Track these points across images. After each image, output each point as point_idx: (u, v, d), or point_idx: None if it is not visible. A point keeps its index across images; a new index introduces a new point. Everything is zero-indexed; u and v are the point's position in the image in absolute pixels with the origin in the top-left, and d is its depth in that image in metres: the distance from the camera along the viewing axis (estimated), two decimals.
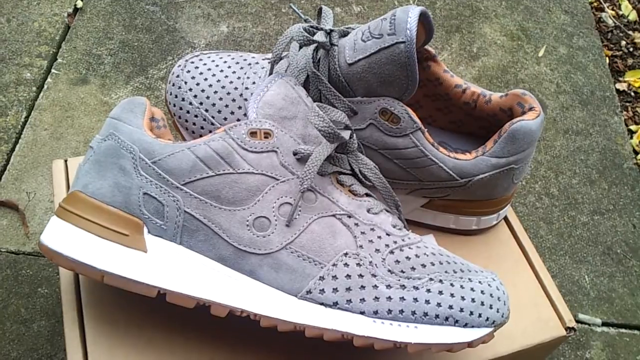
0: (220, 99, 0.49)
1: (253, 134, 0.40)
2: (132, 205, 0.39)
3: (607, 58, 0.96)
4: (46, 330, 0.59)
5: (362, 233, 0.39)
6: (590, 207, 0.76)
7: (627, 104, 0.91)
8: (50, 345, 0.58)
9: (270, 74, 0.48)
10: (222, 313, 0.38)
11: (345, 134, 0.41)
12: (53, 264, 0.62)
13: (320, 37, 0.45)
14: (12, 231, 0.65)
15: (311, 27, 0.46)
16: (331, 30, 0.46)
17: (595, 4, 1.06)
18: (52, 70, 0.80)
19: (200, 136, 0.49)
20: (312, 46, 0.46)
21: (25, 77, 0.78)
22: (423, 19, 0.45)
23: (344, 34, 0.47)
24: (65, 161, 0.53)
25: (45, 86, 0.78)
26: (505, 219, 0.55)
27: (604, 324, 0.67)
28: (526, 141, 0.46)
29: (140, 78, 0.80)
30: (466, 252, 0.52)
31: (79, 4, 0.87)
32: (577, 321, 0.67)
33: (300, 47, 0.47)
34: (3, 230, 0.65)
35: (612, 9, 1.06)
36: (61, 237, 0.39)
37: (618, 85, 0.93)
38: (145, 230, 0.39)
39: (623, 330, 0.67)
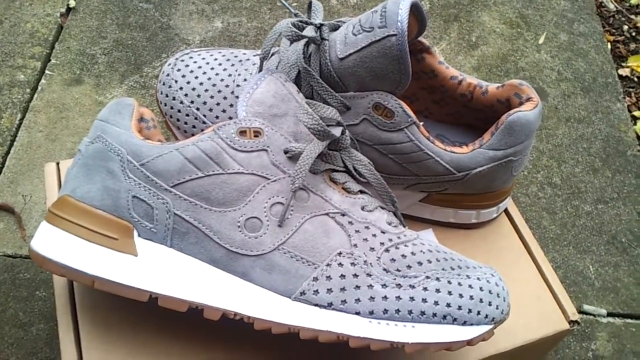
0: (212, 97, 0.48)
1: (242, 132, 0.39)
2: (121, 208, 0.38)
3: (609, 43, 0.95)
4: (45, 334, 0.59)
5: (357, 231, 0.39)
6: (594, 196, 0.75)
7: (630, 89, 0.90)
8: (49, 348, 0.58)
9: (260, 70, 0.47)
10: (215, 316, 0.37)
11: (336, 131, 0.40)
12: None
13: (309, 31, 0.44)
14: (9, 234, 0.65)
15: (301, 21, 0.45)
16: (321, 25, 0.45)
17: None
18: (46, 71, 0.79)
19: (193, 135, 0.49)
20: (303, 41, 0.45)
21: (19, 79, 0.78)
22: (415, 10, 0.43)
23: (335, 28, 0.46)
24: (57, 164, 0.52)
25: (40, 87, 0.77)
26: (506, 211, 0.54)
27: (609, 315, 0.66)
28: (524, 132, 0.45)
29: (135, 77, 0.79)
30: (466, 246, 0.51)
31: (72, 4, 0.86)
32: (582, 312, 0.66)
33: (291, 43, 0.46)
34: (0, 233, 0.65)
35: None
36: (51, 242, 0.38)
37: (621, 71, 0.92)
38: (135, 233, 0.38)
39: (629, 321, 0.66)
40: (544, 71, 0.88)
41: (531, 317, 0.47)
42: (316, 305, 0.37)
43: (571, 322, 0.48)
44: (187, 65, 0.50)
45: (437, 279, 0.38)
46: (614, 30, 0.98)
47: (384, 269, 0.37)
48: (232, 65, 0.50)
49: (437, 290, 0.37)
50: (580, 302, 0.66)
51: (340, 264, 0.37)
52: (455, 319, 0.37)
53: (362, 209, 0.40)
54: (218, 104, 0.48)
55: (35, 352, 0.58)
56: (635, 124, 0.84)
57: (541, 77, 0.87)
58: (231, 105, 0.48)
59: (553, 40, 0.92)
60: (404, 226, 0.42)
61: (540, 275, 0.50)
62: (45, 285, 0.62)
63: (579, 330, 0.65)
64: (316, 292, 0.37)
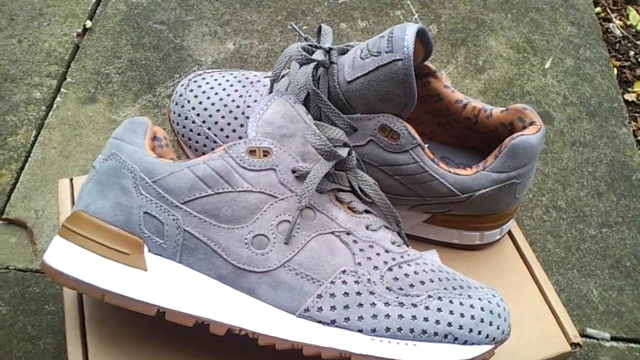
0: (223, 117, 0.50)
1: (252, 152, 0.40)
2: (132, 224, 0.40)
3: (615, 69, 0.96)
4: (52, 348, 0.60)
5: (361, 250, 0.39)
6: (599, 220, 0.76)
7: (636, 114, 0.91)
8: None
9: (271, 92, 0.48)
10: (221, 331, 0.38)
11: (343, 152, 0.41)
12: None
13: (319, 55, 0.46)
14: (21, 249, 0.66)
15: (310, 45, 0.47)
16: (330, 49, 0.46)
17: (603, 14, 1.05)
18: (62, 90, 0.81)
19: (204, 154, 0.50)
20: (312, 64, 0.46)
21: (35, 97, 0.80)
22: (421, 36, 0.45)
23: (343, 52, 0.47)
24: (71, 180, 0.53)
25: (55, 105, 0.79)
26: (510, 233, 0.54)
27: (612, 339, 0.66)
28: (527, 156, 0.46)
29: (147, 96, 0.81)
30: (470, 268, 0.52)
31: (88, 24, 0.89)
32: (585, 336, 0.66)
33: (301, 66, 0.48)
34: (12, 248, 0.66)
35: (620, 19, 1.05)
36: (64, 256, 0.39)
37: (627, 96, 0.93)
38: (146, 249, 0.39)
39: (633, 345, 0.66)
40: (549, 95, 0.89)
41: (533, 338, 0.48)
42: (320, 322, 0.38)
43: (573, 345, 0.48)
44: (199, 86, 0.52)
45: (439, 298, 0.38)
46: (620, 56, 1.00)
47: (387, 288, 0.38)
48: (244, 86, 0.51)
49: (439, 310, 0.38)
50: (584, 325, 0.67)
51: (344, 282, 0.38)
52: (456, 338, 0.38)
53: (367, 228, 0.41)
54: (229, 123, 0.49)
55: None
56: None
57: (547, 102, 0.88)
58: (242, 126, 0.49)
59: (559, 65, 0.94)
60: (408, 246, 0.43)
61: (543, 297, 0.51)
62: (54, 300, 0.63)
63: (582, 353, 0.65)
64: (320, 309, 0.38)
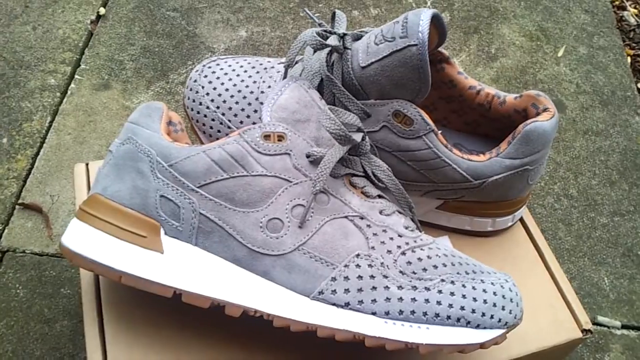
0: (237, 102, 0.50)
1: (267, 137, 0.41)
2: (149, 207, 0.40)
3: (628, 57, 0.95)
4: (68, 330, 0.61)
5: (374, 234, 0.40)
6: (610, 209, 0.76)
7: None
8: (72, 344, 0.60)
9: (285, 78, 0.48)
10: (236, 313, 0.39)
11: (357, 137, 0.41)
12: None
13: (333, 41, 0.46)
14: (37, 233, 0.67)
15: (324, 31, 0.47)
16: (344, 34, 0.46)
17: (617, 2, 1.04)
18: (76, 76, 0.82)
19: (218, 139, 0.50)
20: (326, 50, 0.46)
21: (50, 83, 0.80)
22: (435, 21, 0.45)
23: (357, 38, 0.47)
24: (87, 165, 0.54)
25: (69, 92, 0.80)
26: (521, 220, 0.55)
27: (623, 327, 0.66)
28: (540, 142, 0.46)
29: (161, 83, 0.82)
30: (482, 254, 0.52)
31: (102, 12, 0.89)
32: (596, 323, 0.66)
33: (315, 51, 0.48)
34: (28, 232, 0.67)
35: (635, 7, 1.04)
36: (81, 238, 0.40)
37: None
38: (162, 231, 0.40)
39: None
40: (562, 84, 0.89)
41: (544, 325, 0.48)
42: (334, 304, 0.38)
43: (584, 331, 0.48)
44: (213, 72, 0.52)
45: (452, 282, 0.39)
46: (634, 44, 0.99)
47: (400, 271, 0.39)
48: (257, 72, 0.51)
49: (452, 293, 0.38)
50: (595, 313, 0.67)
51: (357, 265, 0.38)
52: (468, 322, 0.38)
53: (380, 212, 0.41)
54: (243, 109, 0.50)
55: (59, 347, 0.60)
56: None
57: (560, 90, 0.88)
58: (255, 111, 0.49)
59: (572, 54, 0.93)
60: (421, 231, 0.43)
61: (554, 284, 0.51)
62: (69, 283, 0.64)
63: (593, 341, 0.65)
64: (334, 291, 0.38)
